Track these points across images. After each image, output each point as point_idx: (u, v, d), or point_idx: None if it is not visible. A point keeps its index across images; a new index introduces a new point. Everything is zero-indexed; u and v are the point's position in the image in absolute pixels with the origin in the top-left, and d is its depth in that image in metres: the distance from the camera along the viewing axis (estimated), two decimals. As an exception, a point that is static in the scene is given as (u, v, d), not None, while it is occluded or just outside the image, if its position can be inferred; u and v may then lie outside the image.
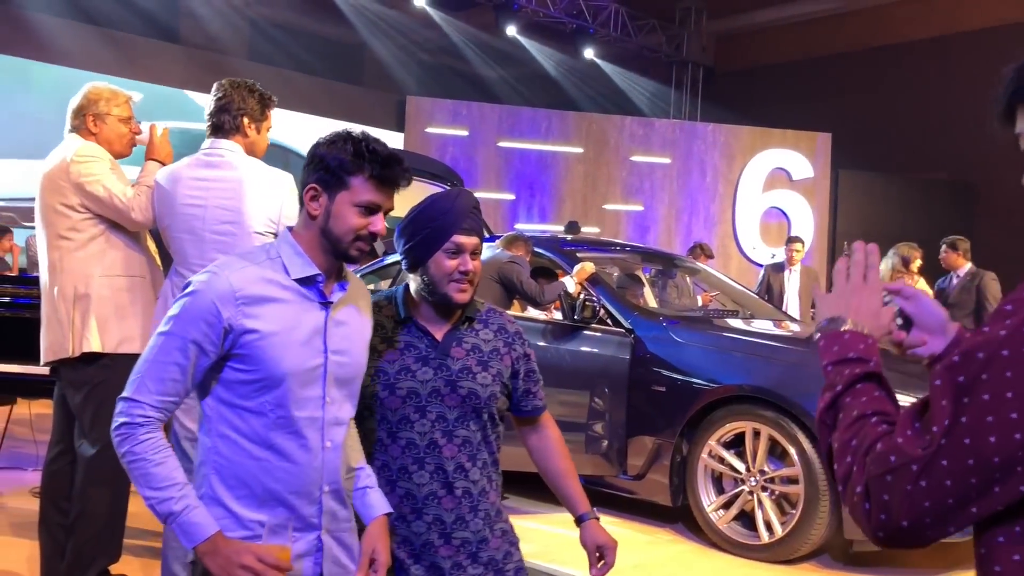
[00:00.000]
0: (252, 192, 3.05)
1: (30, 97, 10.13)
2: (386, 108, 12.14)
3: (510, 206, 11.56)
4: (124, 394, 1.73)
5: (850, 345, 1.18)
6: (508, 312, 5.18)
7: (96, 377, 3.22)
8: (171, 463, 1.70)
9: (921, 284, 7.20)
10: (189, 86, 10.63)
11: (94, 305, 3.20)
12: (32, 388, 3.97)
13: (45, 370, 3.50)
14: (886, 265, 7.23)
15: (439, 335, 2.02)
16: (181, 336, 1.71)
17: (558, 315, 5.29)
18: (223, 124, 3.08)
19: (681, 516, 4.79)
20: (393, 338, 2.02)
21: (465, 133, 11.51)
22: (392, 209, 1.84)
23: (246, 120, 3.10)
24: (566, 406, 4.83)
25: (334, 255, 1.80)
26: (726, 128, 12.25)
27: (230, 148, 3.08)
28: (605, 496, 4.85)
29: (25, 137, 9.86)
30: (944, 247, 7.30)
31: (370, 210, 1.77)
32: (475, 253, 1.98)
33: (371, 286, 5.33)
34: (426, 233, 1.97)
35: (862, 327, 1.21)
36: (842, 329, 1.21)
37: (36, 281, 4.54)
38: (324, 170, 1.77)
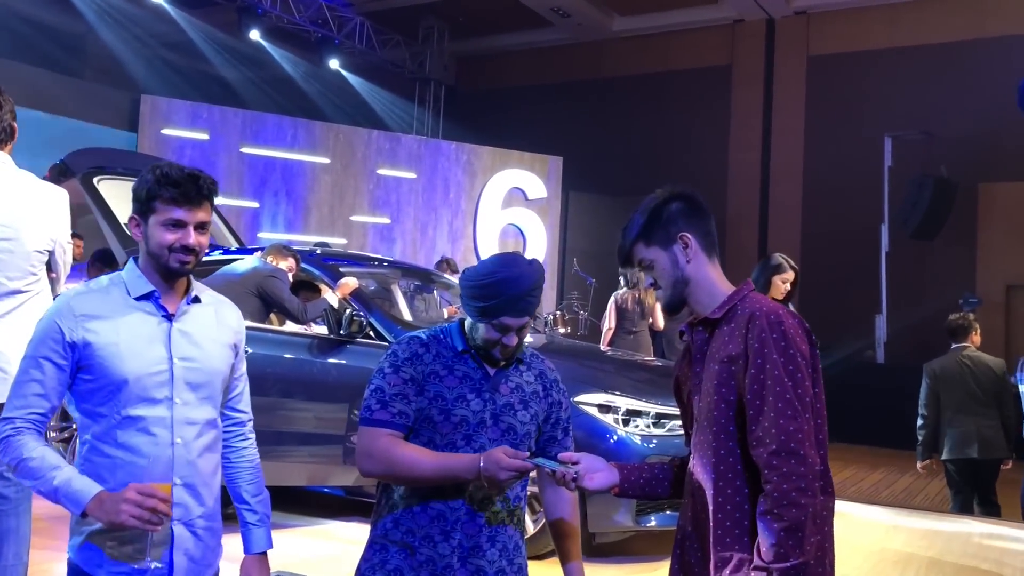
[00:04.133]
0: (32, 208, 2.92)
1: None
2: (118, 106, 11.38)
3: (253, 214, 11.29)
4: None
5: None
6: (263, 325, 5.16)
7: None
8: (45, 455, 1.90)
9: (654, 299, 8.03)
10: None
11: None
12: None
13: None
14: (625, 279, 8.02)
15: (492, 370, 2.16)
16: (35, 356, 1.96)
17: (320, 329, 5.36)
18: None
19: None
20: (453, 367, 2.14)
21: (206, 137, 11.10)
22: (206, 222, 2.05)
23: (15, 127, 2.95)
24: (326, 419, 4.92)
25: (162, 272, 2.03)
26: (468, 147, 12.77)
27: (2, 160, 2.92)
28: (366, 506, 5.00)
29: None
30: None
31: (176, 225, 1.99)
32: (520, 329, 2.13)
33: None
34: (488, 304, 2.10)
35: None
36: None
37: None
38: (137, 201, 2.02)
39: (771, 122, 13.40)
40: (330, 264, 5.48)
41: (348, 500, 5.04)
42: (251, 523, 2.17)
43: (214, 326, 2.12)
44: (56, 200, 3.03)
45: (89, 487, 1.87)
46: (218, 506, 2.12)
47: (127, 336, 1.98)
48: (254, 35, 12.18)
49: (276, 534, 2.26)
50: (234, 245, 6.90)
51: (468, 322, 2.19)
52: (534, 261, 2.20)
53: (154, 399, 1.98)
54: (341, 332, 4.93)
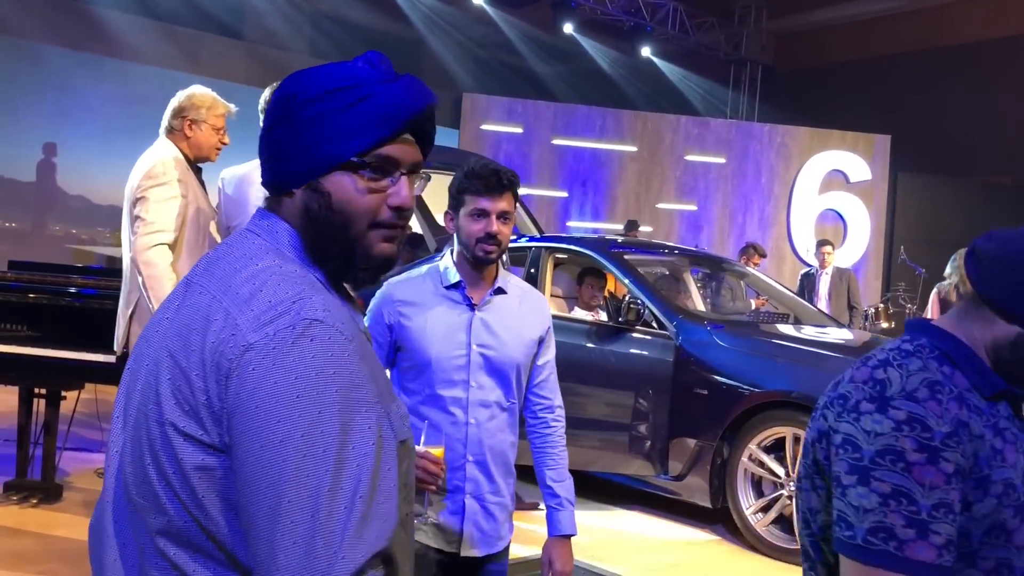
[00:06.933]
0: None
1: (100, 92, 10.48)
2: (443, 104, 12.26)
3: (563, 204, 11.61)
4: None
5: None
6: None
7: None
8: None
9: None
10: (252, 82, 10.87)
11: (138, 313, 3.30)
12: (102, 375, 4.16)
13: (111, 358, 3.68)
14: (950, 269, 7.04)
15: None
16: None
17: (603, 316, 5.35)
18: None
19: (721, 518, 4.84)
20: (994, 419, 1.21)
21: (520, 130, 11.60)
22: (509, 212, 2.20)
23: None
24: (611, 407, 4.90)
25: (471, 262, 2.21)
26: (782, 128, 12.13)
27: None
28: (647, 496, 4.92)
29: (94, 130, 10.24)
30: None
31: (481, 215, 2.16)
32: None
33: None
34: None
35: None
36: None
37: (104, 272, 4.75)
38: (450, 197, 2.23)
39: None
40: (615, 252, 5.44)
41: (630, 488, 4.99)
42: (552, 506, 2.30)
43: (515, 316, 2.26)
44: None
45: None
46: (509, 485, 2.26)
47: (433, 323, 2.20)
48: (567, 28, 12.48)
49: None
50: (535, 233, 7.12)
51: (980, 328, 1.23)
52: None
53: (453, 381, 2.18)
54: (620, 320, 4.88)
